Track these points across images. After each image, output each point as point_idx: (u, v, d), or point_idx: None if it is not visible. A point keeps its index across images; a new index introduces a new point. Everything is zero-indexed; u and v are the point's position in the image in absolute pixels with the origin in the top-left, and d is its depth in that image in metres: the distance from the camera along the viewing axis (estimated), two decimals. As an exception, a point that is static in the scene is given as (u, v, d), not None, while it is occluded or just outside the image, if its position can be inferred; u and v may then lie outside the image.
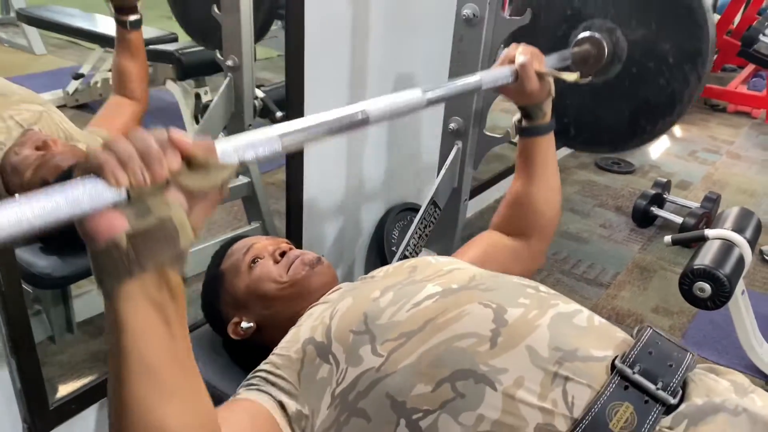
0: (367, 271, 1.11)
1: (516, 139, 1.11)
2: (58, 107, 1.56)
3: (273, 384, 0.78)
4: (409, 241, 1.37)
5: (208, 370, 1.06)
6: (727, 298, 1.37)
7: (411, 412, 0.71)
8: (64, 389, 1.25)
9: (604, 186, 2.83)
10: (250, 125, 1.72)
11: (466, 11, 1.20)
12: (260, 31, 1.66)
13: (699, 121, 3.68)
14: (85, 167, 0.51)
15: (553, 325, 0.75)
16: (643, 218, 2.46)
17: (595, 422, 0.66)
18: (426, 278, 0.85)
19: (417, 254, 1.40)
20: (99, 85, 2.95)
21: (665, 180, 2.62)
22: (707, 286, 1.36)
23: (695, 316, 1.92)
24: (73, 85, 2.90)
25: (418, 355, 0.73)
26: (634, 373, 0.69)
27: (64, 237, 1.21)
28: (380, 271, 0.94)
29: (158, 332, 0.55)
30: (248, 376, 0.81)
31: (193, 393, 0.59)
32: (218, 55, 1.65)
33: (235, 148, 0.59)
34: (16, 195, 1.26)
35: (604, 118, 1.32)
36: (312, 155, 1.53)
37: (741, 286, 1.55)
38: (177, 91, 2.56)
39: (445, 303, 0.78)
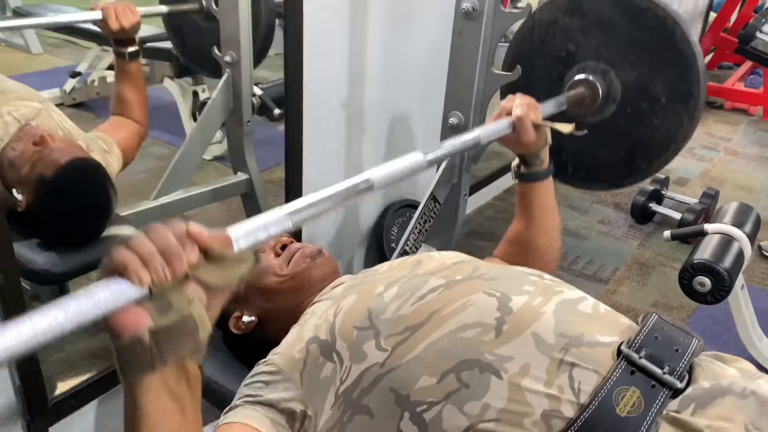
0: (366, 268, 1.11)
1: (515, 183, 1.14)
2: (56, 106, 1.56)
3: (272, 388, 0.77)
4: (408, 236, 1.37)
5: (209, 366, 1.05)
6: (727, 293, 1.37)
7: (415, 405, 0.71)
8: (63, 386, 1.24)
9: (603, 183, 2.82)
10: (248, 122, 1.72)
11: (466, 5, 1.20)
12: (257, 58, 1.68)
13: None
14: (110, 267, 0.54)
15: (558, 311, 0.74)
16: (641, 214, 2.46)
17: (602, 407, 0.66)
18: (430, 272, 0.85)
19: (417, 249, 1.39)
20: (96, 83, 2.94)
21: (663, 176, 2.62)
22: (707, 281, 1.36)
23: (695, 311, 1.92)
24: (71, 83, 2.89)
25: (423, 348, 0.73)
26: (640, 357, 0.69)
27: (62, 233, 1.22)
28: (384, 266, 0.94)
29: (174, 420, 0.58)
30: (246, 382, 0.80)
31: None
32: (216, 51, 1.65)
33: (247, 233, 0.62)
34: (13, 189, 1.25)
35: (601, 157, 1.35)
36: (310, 153, 1.53)
37: (741, 280, 1.55)
38: (174, 89, 2.55)
39: (450, 294, 0.78)
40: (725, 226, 1.46)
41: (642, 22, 1.21)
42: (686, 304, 1.93)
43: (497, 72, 1.27)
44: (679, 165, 2.95)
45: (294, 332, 0.84)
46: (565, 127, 1.05)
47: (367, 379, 0.74)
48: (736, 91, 3.83)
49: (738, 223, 1.48)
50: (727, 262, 1.37)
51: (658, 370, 0.68)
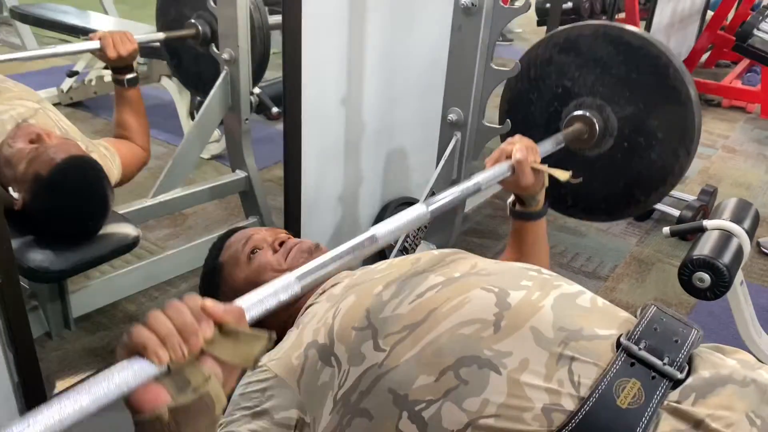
0: (364, 265, 1.11)
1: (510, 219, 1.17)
2: (53, 105, 1.56)
3: (267, 396, 0.77)
4: (407, 234, 1.37)
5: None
6: (727, 288, 1.36)
7: (413, 404, 0.70)
8: (62, 384, 1.24)
9: (601, 181, 2.82)
10: (246, 120, 1.71)
11: (465, 0, 1.20)
12: (255, 78, 1.70)
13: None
14: (130, 346, 0.55)
15: (556, 305, 0.74)
16: (640, 212, 2.46)
17: (603, 400, 0.66)
18: (428, 269, 0.85)
19: (416, 247, 1.39)
20: (93, 82, 2.94)
21: (662, 174, 2.62)
22: (707, 276, 1.35)
23: (693, 307, 1.92)
24: (68, 83, 2.89)
25: (422, 346, 0.73)
26: (640, 349, 0.69)
27: (59, 231, 1.21)
28: (383, 264, 0.94)
29: None
30: (241, 390, 0.79)
31: None
32: (214, 49, 1.64)
33: (257, 301, 0.64)
34: (9, 188, 1.24)
35: (600, 189, 1.38)
36: (310, 151, 1.52)
37: (740, 276, 1.55)
38: (172, 88, 2.55)
39: (448, 292, 0.78)
40: (724, 222, 1.46)
41: (636, 59, 1.26)
42: (685, 300, 1.93)
43: (496, 68, 1.27)
44: (677, 163, 2.95)
45: (292, 337, 0.83)
46: (562, 175, 1.08)
47: (365, 381, 0.74)
48: (734, 88, 3.84)
49: (737, 219, 1.48)
50: (727, 257, 1.37)
51: (657, 362, 0.68)
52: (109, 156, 1.45)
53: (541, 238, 1.13)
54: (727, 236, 1.44)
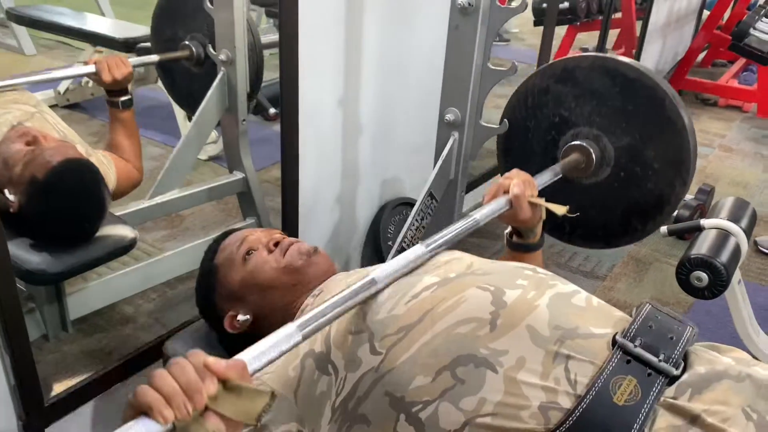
0: (362, 267, 1.11)
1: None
2: (50, 107, 1.56)
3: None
4: (405, 234, 1.37)
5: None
6: (725, 287, 1.37)
7: (410, 405, 0.70)
8: (59, 387, 1.23)
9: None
10: (243, 121, 1.71)
11: (461, 0, 1.20)
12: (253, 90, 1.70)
13: (691, 115, 3.70)
14: (136, 406, 0.56)
15: (552, 304, 0.75)
16: (637, 211, 2.46)
17: (599, 397, 0.66)
18: (424, 270, 0.85)
19: (414, 247, 1.39)
20: (90, 84, 2.93)
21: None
22: (704, 276, 1.36)
23: (691, 306, 1.92)
24: (64, 84, 2.87)
25: (418, 347, 0.73)
26: (635, 346, 0.70)
27: (55, 233, 1.21)
28: (378, 267, 0.94)
29: None
30: None
31: None
32: (211, 50, 1.64)
33: (259, 354, 0.66)
34: (5, 190, 1.24)
35: (597, 217, 1.40)
36: (307, 152, 1.52)
37: (738, 275, 1.55)
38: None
39: (443, 292, 0.78)
40: (722, 221, 1.46)
41: (632, 91, 1.28)
42: (683, 299, 1.93)
43: (493, 67, 1.27)
44: (674, 162, 2.95)
45: None
46: (559, 209, 1.09)
47: (362, 386, 0.74)
48: (730, 88, 3.85)
49: (734, 218, 1.48)
50: (724, 256, 1.37)
51: (653, 358, 0.69)
52: (106, 163, 1.45)
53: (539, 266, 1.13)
54: (724, 235, 1.44)
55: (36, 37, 3.23)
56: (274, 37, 1.40)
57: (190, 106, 2.06)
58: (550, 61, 1.44)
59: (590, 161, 1.32)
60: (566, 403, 0.66)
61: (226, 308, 1.00)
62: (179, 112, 2.54)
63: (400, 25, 1.73)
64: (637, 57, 3.01)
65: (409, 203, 1.97)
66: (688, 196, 2.48)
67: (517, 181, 1.06)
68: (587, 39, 3.89)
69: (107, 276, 1.46)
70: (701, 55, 4.28)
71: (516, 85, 1.43)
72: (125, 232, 1.29)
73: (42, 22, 2.77)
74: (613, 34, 3.53)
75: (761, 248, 2.26)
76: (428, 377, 0.71)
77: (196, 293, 1.08)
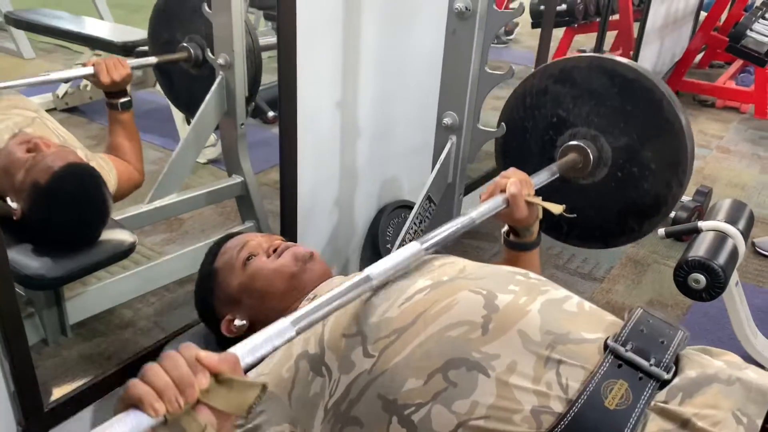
0: (361, 270, 1.11)
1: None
2: (48, 111, 1.56)
3: (257, 412, 0.77)
4: (404, 237, 1.37)
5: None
6: (722, 289, 1.37)
7: (403, 408, 0.71)
8: (59, 391, 1.23)
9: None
10: (242, 125, 1.71)
11: (459, 4, 1.20)
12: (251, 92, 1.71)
13: (688, 116, 3.71)
14: (127, 399, 0.56)
15: (543, 310, 0.75)
16: (635, 213, 2.46)
17: (591, 401, 0.66)
18: (418, 274, 0.85)
19: (413, 250, 1.39)
20: (89, 88, 2.93)
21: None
22: (702, 278, 1.36)
23: (689, 308, 1.92)
24: (63, 88, 2.88)
25: (410, 349, 0.73)
26: (626, 351, 0.70)
27: (58, 239, 1.21)
28: None
29: None
30: None
31: None
32: (209, 54, 1.65)
33: (252, 348, 0.65)
34: (7, 198, 1.24)
35: (594, 217, 1.40)
36: (306, 155, 1.53)
37: (735, 277, 1.56)
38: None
39: (436, 294, 0.78)
40: (719, 223, 1.46)
41: (630, 92, 1.28)
42: (681, 301, 1.93)
43: (491, 72, 1.28)
44: (672, 163, 2.95)
45: (282, 348, 0.83)
46: (556, 208, 1.09)
47: (355, 389, 0.74)
48: (728, 89, 3.86)
49: (732, 220, 1.49)
50: (722, 258, 1.38)
51: (644, 362, 0.69)
52: (107, 168, 1.45)
53: (534, 268, 1.14)
54: (722, 237, 1.45)
55: (34, 40, 3.24)
56: (273, 39, 1.41)
57: (189, 109, 2.07)
58: (548, 62, 1.44)
59: (587, 161, 1.32)
60: (558, 407, 0.67)
61: (224, 312, 1.00)
62: (178, 116, 2.54)
63: (398, 28, 1.73)
64: (635, 58, 3.02)
65: (408, 206, 1.97)
66: (686, 198, 2.49)
67: (514, 179, 1.06)
68: (585, 41, 3.90)
69: (106, 280, 1.46)
70: (698, 57, 4.29)
71: (513, 87, 1.44)
72: (124, 236, 1.29)
73: (40, 26, 2.77)
74: (610, 35, 3.54)
75: (759, 250, 2.27)
76: (420, 380, 0.71)
77: (195, 296, 1.08)
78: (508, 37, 4.85)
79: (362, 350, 0.75)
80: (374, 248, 1.91)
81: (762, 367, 1.68)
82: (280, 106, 1.41)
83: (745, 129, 3.58)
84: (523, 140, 1.39)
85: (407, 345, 0.73)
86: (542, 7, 2.95)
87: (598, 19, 3.37)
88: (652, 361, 0.69)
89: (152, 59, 1.77)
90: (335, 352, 0.77)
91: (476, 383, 0.69)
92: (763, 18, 3.57)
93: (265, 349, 0.65)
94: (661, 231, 1.66)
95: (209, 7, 1.59)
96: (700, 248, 1.40)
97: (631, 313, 0.76)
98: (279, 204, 1.54)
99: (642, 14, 3.08)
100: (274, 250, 0.99)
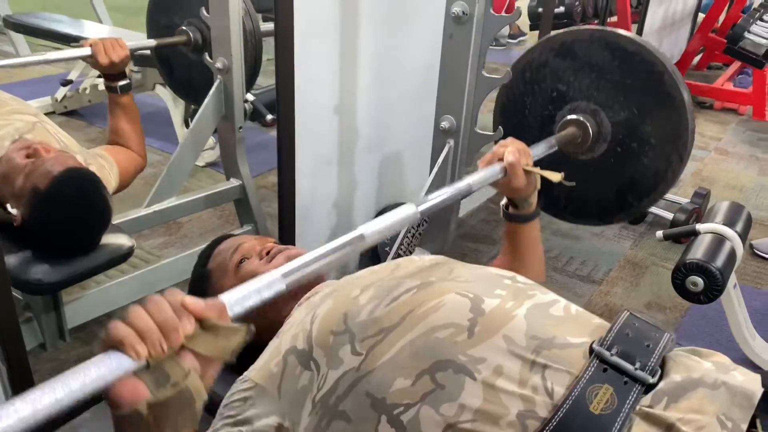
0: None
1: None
2: (47, 114, 1.56)
3: (249, 405, 0.77)
4: (402, 240, 1.37)
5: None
6: (720, 292, 1.37)
7: (392, 407, 0.71)
8: (57, 396, 1.23)
9: (595, 184, 2.83)
10: (240, 128, 1.72)
11: (456, 9, 1.21)
12: (247, 84, 1.71)
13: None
14: (108, 341, 0.55)
15: (530, 315, 0.75)
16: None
17: (576, 406, 0.66)
18: (407, 274, 0.85)
19: (411, 252, 1.40)
20: (87, 91, 2.94)
21: (655, 177, 2.62)
22: (700, 280, 1.36)
23: (688, 311, 1.92)
24: (62, 91, 2.88)
25: (398, 349, 0.73)
26: (611, 355, 0.70)
27: (58, 245, 1.21)
28: (365, 271, 0.94)
29: None
30: (225, 402, 0.79)
31: None
32: (207, 58, 1.65)
33: (240, 298, 0.63)
34: (7, 204, 1.24)
35: (592, 193, 1.38)
36: (304, 158, 1.53)
37: (733, 279, 1.56)
38: (166, 96, 2.55)
39: (423, 295, 0.78)
40: (717, 226, 1.46)
41: (631, 65, 1.26)
42: (679, 303, 1.93)
43: (488, 75, 1.28)
44: (670, 165, 2.95)
45: (272, 347, 0.83)
46: (555, 176, 1.09)
47: (343, 385, 0.74)
48: (726, 91, 3.86)
49: (729, 222, 1.49)
50: (720, 261, 1.38)
51: (629, 366, 0.69)
52: (107, 166, 1.45)
53: (534, 239, 1.14)
54: (719, 239, 1.45)
55: (33, 43, 3.24)
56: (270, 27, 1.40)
57: (189, 95, 2.07)
58: (548, 35, 1.41)
59: (587, 135, 1.30)
60: (543, 412, 0.67)
61: None
62: (177, 119, 2.54)
63: (395, 32, 1.74)
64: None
65: (406, 209, 1.97)
66: (684, 200, 2.49)
67: (512, 148, 1.06)
68: (583, 43, 3.90)
69: (105, 284, 1.47)
70: (697, 59, 4.30)
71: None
72: (122, 240, 1.29)
73: (39, 29, 2.78)
74: (608, 37, 3.54)
75: (757, 251, 2.27)
76: (408, 380, 0.71)
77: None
78: (517, 40, 4.86)
79: (350, 348, 0.75)
80: (372, 250, 1.91)
81: (759, 369, 1.69)
82: (278, 109, 1.41)
83: (743, 130, 3.58)
84: (522, 116, 1.36)
85: (394, 344, 0.73)
86: (540, 10, 2.95)
87: (596, 21, 3.38)
88: (638, 365, 0.69)
89: (151, 42, 1.77)
90: (323, 348, 0.77)
91: (463, 386, 0.69)
92: (761, 20, 3.57)
93: (254, 299, 0.64)
94: (659, 234, 1.66)
95: (207, 11, 1.59)
96: (698, 251, 1.40)
97: (617, 317, 0.76)
98: (277, 207, 1.54)
99: (640, 16, 3.09)
100: (267, 253, 0.99)
